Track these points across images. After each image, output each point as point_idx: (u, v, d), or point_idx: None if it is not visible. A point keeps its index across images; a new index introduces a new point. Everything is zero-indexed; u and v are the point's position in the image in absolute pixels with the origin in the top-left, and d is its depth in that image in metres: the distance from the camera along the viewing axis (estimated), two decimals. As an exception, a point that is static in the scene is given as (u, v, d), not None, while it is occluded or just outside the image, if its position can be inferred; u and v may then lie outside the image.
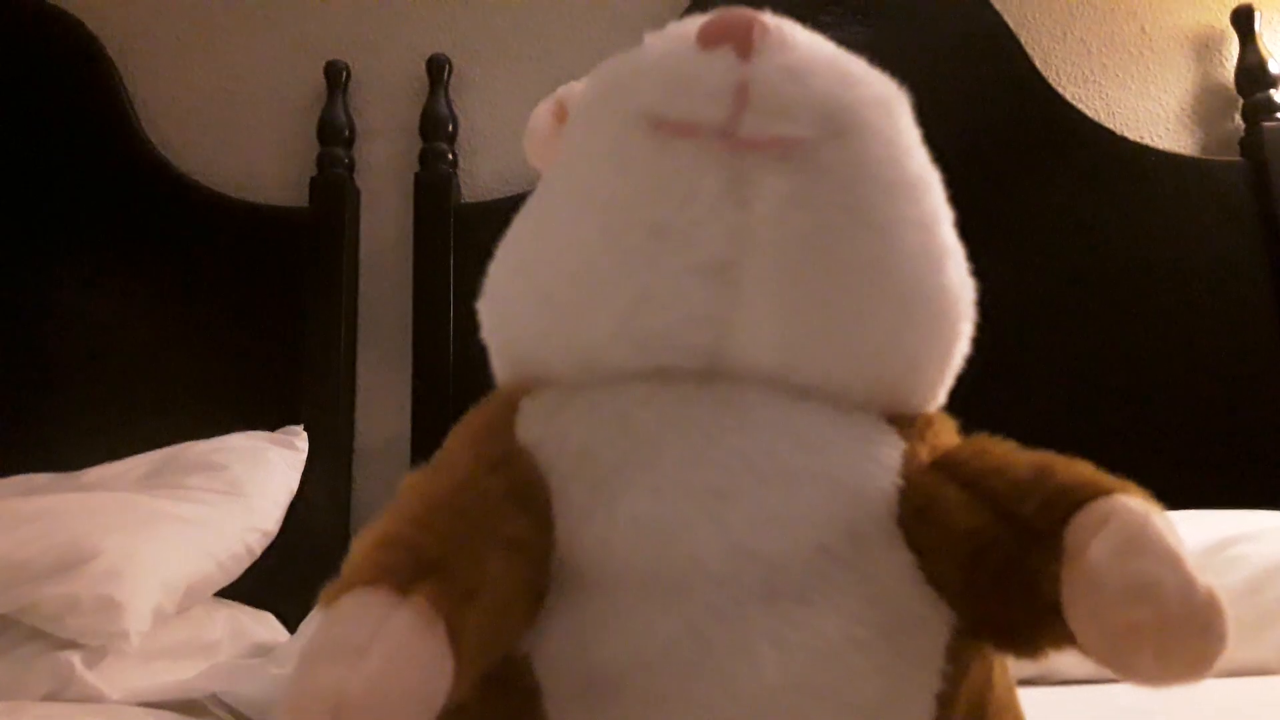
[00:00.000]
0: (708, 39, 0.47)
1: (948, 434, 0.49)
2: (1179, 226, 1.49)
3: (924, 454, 0.46)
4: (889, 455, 0.45)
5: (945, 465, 0.45)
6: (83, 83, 1.61)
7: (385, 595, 0.35)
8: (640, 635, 0.40)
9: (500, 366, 0.52)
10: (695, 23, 0.49)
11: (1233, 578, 1.08)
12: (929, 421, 0.48)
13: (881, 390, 0.47)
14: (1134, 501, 0.39)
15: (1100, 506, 0.39)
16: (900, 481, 0.44)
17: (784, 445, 0.44)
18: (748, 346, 0.46)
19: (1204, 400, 1.44)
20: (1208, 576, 0.36)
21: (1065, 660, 1.11)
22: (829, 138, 0.46)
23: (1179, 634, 0.35)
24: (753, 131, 0.45)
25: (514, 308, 0.50)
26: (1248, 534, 1.12)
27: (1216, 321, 1.46)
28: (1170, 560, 0.36)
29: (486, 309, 0.52)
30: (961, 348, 0.49)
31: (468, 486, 0.42)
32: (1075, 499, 0.39)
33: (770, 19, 0.48)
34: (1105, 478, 0.41)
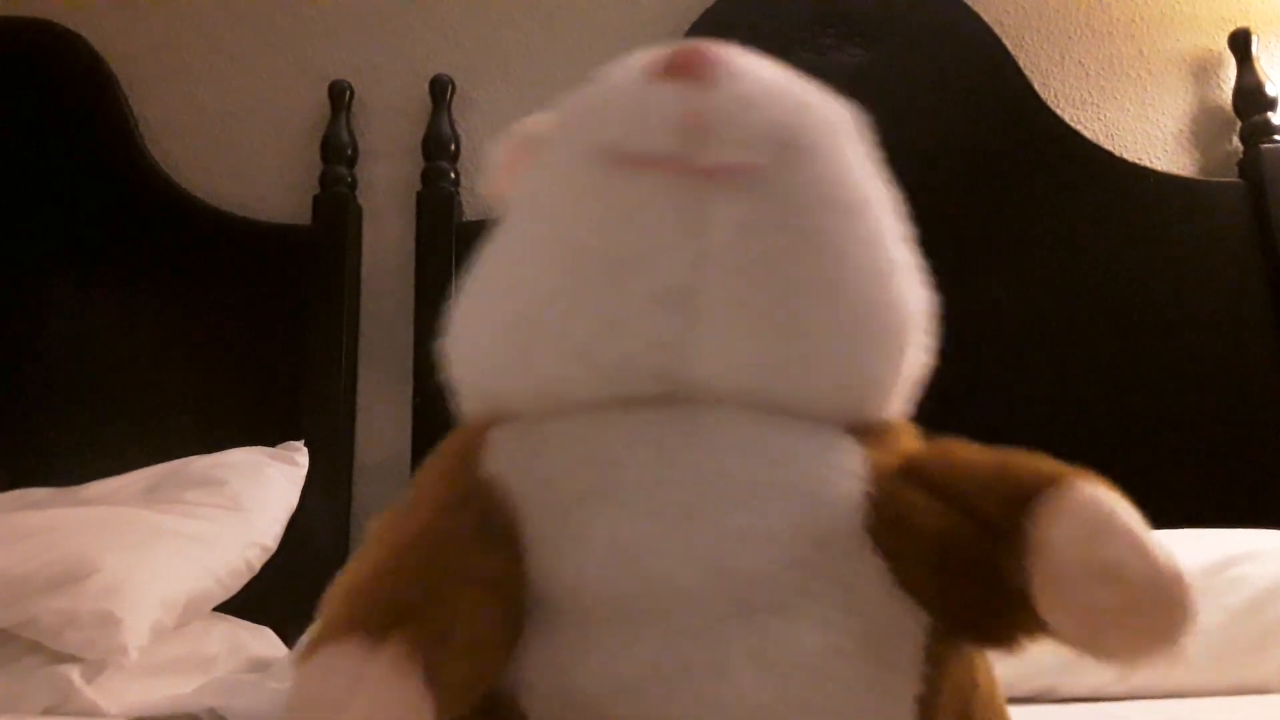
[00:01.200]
0: (661, 71, 0.48)
1: (909, 440, 0.50)
2: (1178, 248, 1.49)
3: (887, 461, 0.46)
4: (853, 464, 0.46)
5: (910, 471, 0.46)
6: (88, 101, 1.62)
7: (359, 646, 0.35)
8: (618, 660, 0.41)
9: (465, 401, 0.52)
10: (649, 55, 0.50)
11: (1233, 597, 1.07)
12: (889, 429, 0.49)
13: (841, 402, 0.48)
14: (1093, 488, 0.40)
15: (1060, 495, 0.40)
16: (866, 489, 0.45)
17: (749, 461, 0.44)
18: (708, 369, 0.46)
19: (1204, 420, 1.44)
20: (1169, 553, 0.37)
21: (1065, 679, 1.10)
22: (782, 163, 0.47)
23: (1146, 613, 0.36)
24: (707, 160, 0.46)
25: (477, 342, 0.51)
26: (1248, 553, 1.12)
27: (1216, 342, 1.46)
28: (1131, 541, 0.37)
29: (451, 345, 0.52)
30: (916, 357, 0.51)
31: (436, 527, 0.42)
32: (1035, 490, 0.40)
33: (720, 48, 0.49)
34: (1063, 468, 0.41)
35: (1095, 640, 0.37)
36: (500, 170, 0.59)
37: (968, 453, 0.46)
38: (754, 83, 0.49)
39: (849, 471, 0.45)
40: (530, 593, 0.42)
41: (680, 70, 0.48)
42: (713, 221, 0.46)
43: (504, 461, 0.46)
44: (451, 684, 0.36)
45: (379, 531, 0.44)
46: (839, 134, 0.50)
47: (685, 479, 0.44)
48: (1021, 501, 0.40)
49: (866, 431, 0.48)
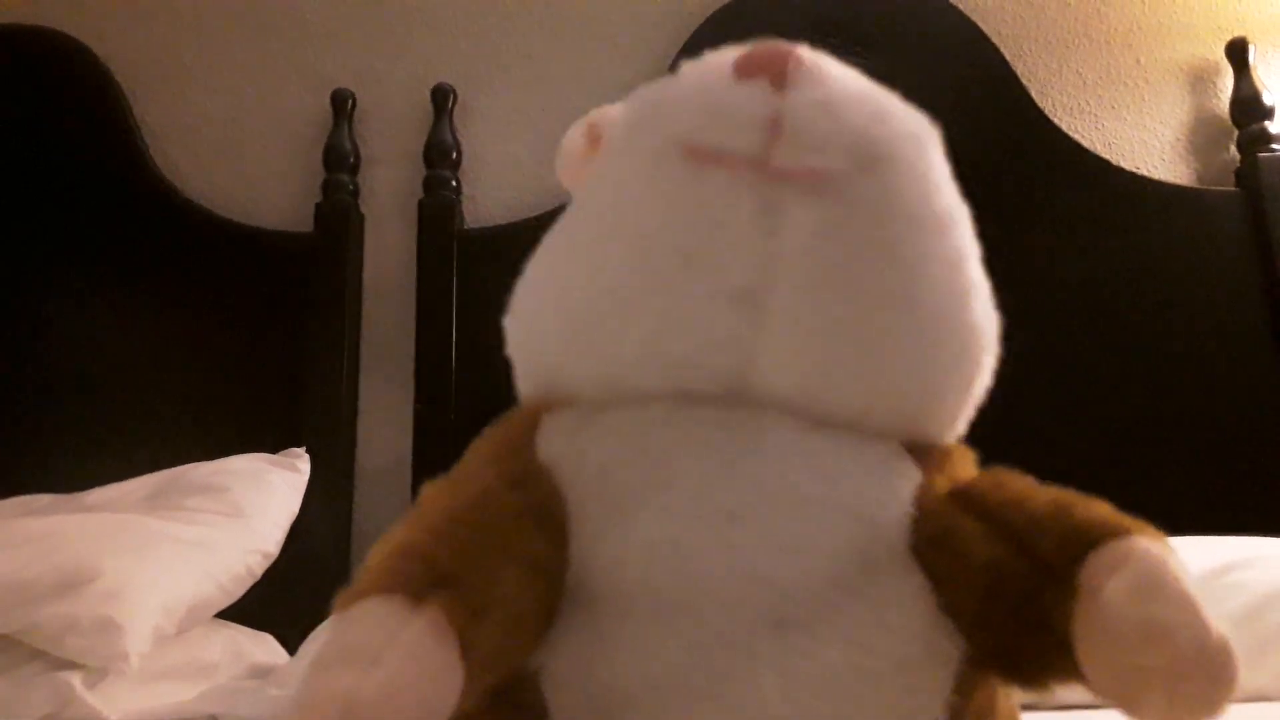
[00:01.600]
0: (744, 70, 0.48)
1: (966, 465, 0.49)
2: (1175, 257, 1.49)
3: (941, 484, 0.46)
4: (905, 485, 0.45)
5: (963, 496, 0.45)
6: (90, 108, 1.62)
7: (400, 604, 0.35)
8: (648, 658, 0.40)
9: (524, 383, 0.52)
10: (731, 53, 0.50)
11: (1232, 604, 1.07)
12: (947, 453, 0.49)
13: (901, 421, 0.47)
14: (1151, 544, 0.39)
15: (1117, 547, 0.39)
16: (914, 511, 0.44)
17: (800, 472, 0.44)
18: (770, 373, 0.46)
19: (1202, 428, 1.44)
20: (1219, 622, 0.37)
21: (1065, 688, 1.10)
22: (860, 171, 0.46)
23: (1190, 679, 0.35)
24: (785, 162, 0.46)
25: (540, 325, 0.50)
26: (1247, 560, 1.12)
27: (1213, 350, 1.46)
28: (1185, 605, 0.36)
29: (513, 325, 0.52)
30: (983, 381, 0.50)
31: (486, 501, 0.42)
32: (1093, 537, 0.40)
33: (805, 51, 0.49)
34: (1123, 518, 0.41)
35: (1134, 699, 0.37)
36: (571, 157, 0.59)
37: (1025, 486, 0.45)
38: (836, 88, 0.48)
39: (901, 492, 0.45)
40: (569, 581, 0.42)
41: (764, 69, 0.47)
42: (787, 224, 0.45)
43: (557, 447, 0.46)
44: (484, 656, 0.36)
45: (430, 498, 0.44)
46: (921, 147, 0.50)
47: (735, 484, 0.43)
48: (1077, 545, 0.40)
49: (924, 452, 0.47)
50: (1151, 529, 0.41)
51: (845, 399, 0.46)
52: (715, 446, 0.45)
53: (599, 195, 0.51)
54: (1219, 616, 0.37)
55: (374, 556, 0.39)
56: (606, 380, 0.48)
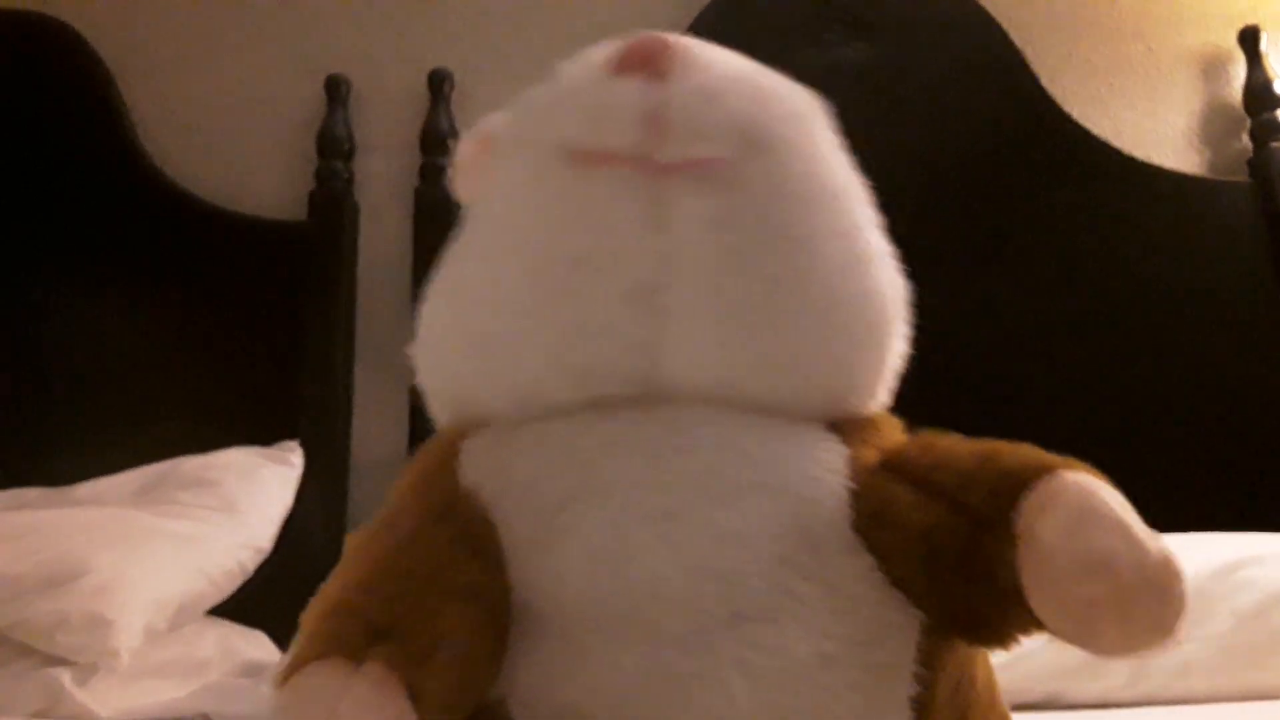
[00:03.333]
0: (619, 66, 0.48)
1: (893, 434, 0.49)
2: (1186, 246, 1.49)
3: (870, 456, 0.46)
4: (834, 461, 0.45)
5: (893, 465, 0.45)
6: (80, 95, 1.61)
7: (339, 668, 0.34)
8: (606, 673, 0.40)
9: (438, 410, 0.52)
10: (607, 48, 0.49)
11: (1241, 601, 1.07)
12: (872, 423, 0.49)
13: (819, 398, 0.47)
14: (1079, 477, 0.39)
15: (1046, 486, 0.39)
16: (849, 485, 0.44)
17: (730, 461, 0.44)
18: (682, 368, 0.46)
19: (1213, 421, 1.43)
20: (1158, 540, 0.37)
21: (1072, 685, 1.10)
22: (745, 156, 0.46)
23: (1137, 603, 0.35)
24: (669, 155, 0.45)
25: (446, 349, 0.50)
26: (1257, 557, 1.12)
27: (1225, 342, 1.46)
28: (1120, 530, 0.36)
29: (419, 352, 0.51)
30: (897, 348, 0.50)
31: (414, 541, 0.42)
32: (1021, 481, 0.40)
33: (681, 39, 0.48)
34: (1049, 457, 0.41)
35: (1088, 633, 0.37)
36: (463, 171, 0.59)
37: (951, 444, 0.45)
38: (715, 75, 0.48)
39: (832, 468, 0.45)
40: (515, 603, 0.41)
41: (638, 63, 0.47)
42: (677, 217, 0.45)
43: (480, 470, 0.46)
44: (437, 700, 0.36)
45: (356, 547, 0.43)
46: (806, 125, 0.49)
47: (665, 480, 0.43)
48: (1008, 492, 0.40)
49: (848, 426, 0.47)
50: (1079, 463, 0.40)
51: (759, 384, 0.46)
52: (639, 447, 0.44)
53: (490, 207, 0.51)
54: (1154, 537, 0.37)
55: (306, 620, 0.38)
56: (518, 397, 0.47)
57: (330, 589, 0.40)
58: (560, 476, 0.44)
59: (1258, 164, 1.53)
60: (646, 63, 0.47)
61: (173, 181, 1.57)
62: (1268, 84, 1.54)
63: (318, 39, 1.67)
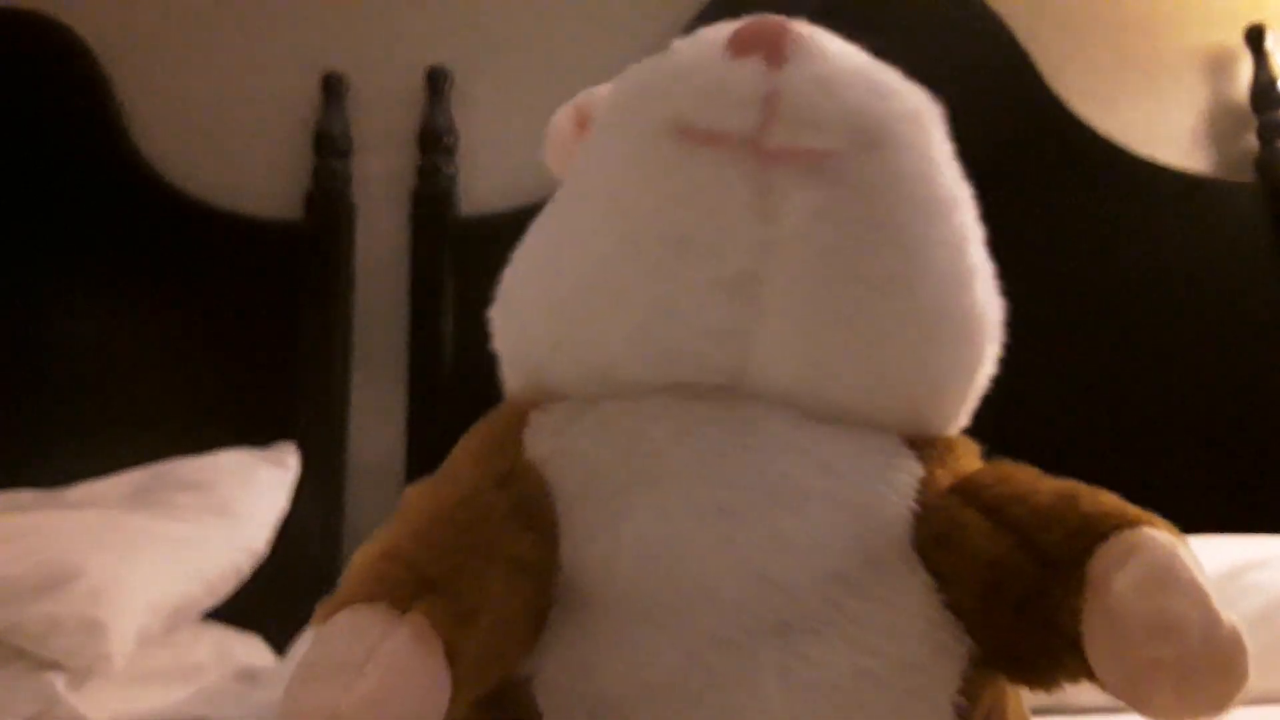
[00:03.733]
0: (738, 47, 0.46)
1: (969, 458, 0.48)
2: (1192, 246, 1.49)
3: (944, 478, 0.45)
4: (906, 479, 0.44)
5: (966, 490, 0.44)
6: (74, 92, 1.60)
7: (383, 613, 0.34)
8: (644, 663, 0.39)
9: (511, 376, 0.51)
10: (726, 29, 0.48)
11: (1247, 605, 1.06)
12: (950, 445, 0.47)
13: (902, 412, 0.46)
14: (1160, 535, 0.38)
15: (1125, 539, 0.38)
16: (917, 506, 0.43)
17: (799, 466, 0.43)
18: (767, 364, 0.45)
19: (1217, 423, 1.43)
20: (1230, 613, 0.36)
21: (1080, 690, 1.09)
22: (858, 151, 0.45)
23: (1201, 672, 0.35)
24: (781, 142, 0.44)
25: (527, 316, 0.49)
26: (1263, 560, 1.11)
27: (1230, 341, 1.46)
28: (1195, 597, 0.36)
29: (499, 317, 0.51)
30: (986, 370, 0.49)
31: (472, 502, 0.41)
32: (1100, 530, 0.39)
33: (802, 26, 0.47)
34: (1131, 509, 0.40)
35: (1144, 694, 0.36)
36: (558, 141, 0.58)
37: (1029, 478, 0.44)
38: (834, 64, 0.47)
39: (903, 486, 0.44)
40: (560, 582, 0.41)
41: (759, 45, 0.46)
42: (783, 207, 0.44)
43: (546, 444, 0.45)
44: (472, 663, 0.36)
45: (414, 499, 0.43)
46: (922, 125, 0.48)
47: (730, 478, 0.42)
48: (1084, 538, 0.39)
49: (926, 445, 0.46)
50: (1160, 520, 0.39)
51: (844, 390, 0.45)
52: (710, 440, 0.43)
53: (588, 180, 0.49)
54: (1230, 610, 0.36)
55: (356, 562, 0.38)
56: (596, 373, 0.46)
57: (384, 536, 0.39)
58: (624, 462, 0.43)
59: (1264, 163, 1.53)
60: (765, 45, 0.46)
61: (168, 180, 1.57)
62: (1274, 82, 1.54)
63: (314, 36, 1.66)
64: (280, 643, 1.19)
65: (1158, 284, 1.47)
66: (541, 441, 0.45)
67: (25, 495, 1.26)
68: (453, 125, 1.57)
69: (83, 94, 1.60)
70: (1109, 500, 0.41)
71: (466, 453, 0.48)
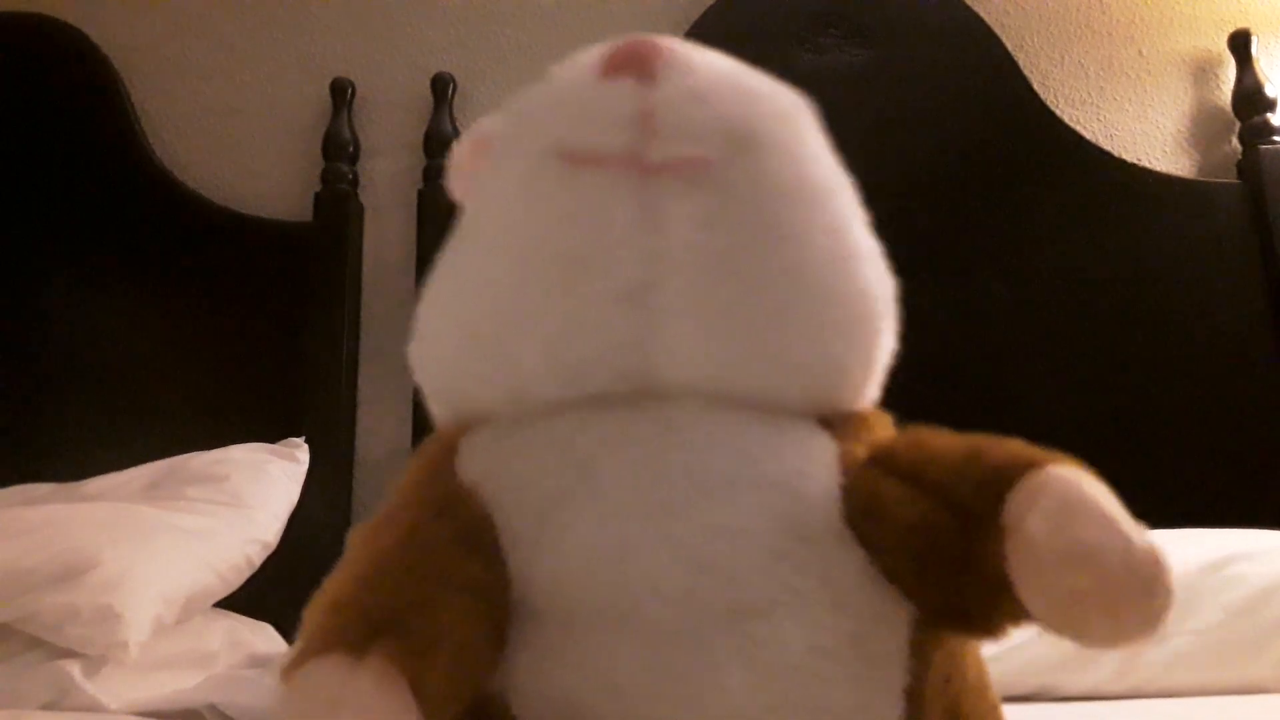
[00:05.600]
0: (610, 67, 0.48)
1: (883, 429, 0.49)
2: (1176, 248, 1.50)
3: (861, 451, 0.46)
4: (825, 455, 0.45)
5: (883, 460, 0.45)
6: (89, 97, 1.62)
7: (341, 660, 0.34)
8: (604, 665, 0.40)
9: (436, 408, 0.52)
10: (597, 51, 0.50)
11: (1230, 596, 1.08)
12: (862, 419, 0.49)
13: (811, 394, 0.47)
14: (1065, 470, 0.39)
15: (1032, 480, 0.39)
16: (841, 480, 0.44)
17: (722, 456, 0.44)
18: (675, 365, 0.46)
19: (1202, 420, 1.44)
20: (1144, 534, 0.37)
21: (1063, 677, 1.10)
22: (734, 156, 0.47)
23: (1124, 595, 0.36)
24: (660, 156, 0.46)
25: (442, 347, 0.50)
26: (1246, 553, 1.13)
27: (1214, 342, 1.46)
28: (1106, 524, 0.37)
29: (417, 350, 0.51)
30: (885, 344, 0.50)
31: (415, 536, 0.42)
32: (1009, 475, 0.40)
33: (669, 42, 0.49)
34: (1035, 451, 0.41)
35: (1075, 624, 0.37)
36: (459, 171, 0.58)
37: (939, 439, 0.45)
38: (702, 76, 0.48)
39: (824, 463, 0.45)
40: (514, 598, 0.42)
41: (627, 65, 0.47)
42: (668, 217, 0.46)
43: (478, 467, 0.46)
44: (438, 693, 0.36)
45: (358, 542, 0.43)
46: (793, 125, 0.50)
47: (660, 477, 0.43)
48: (995, 487, 0.40)
49: (839, 422, 0.47)
50: (1065, 457, 0.40)
51: (751, 380, 0.46)
52: (636, 443, 0.45)
53: (484, 207, 0.51)
54: (1139, 529, 0.37)
55: (309, 617, 0.38)
56: (514, 394, 0.47)
57: (332, 585, 0.40)
58: (557, 473, 0.44)
59: (1246, 166, 1.54)
60: (636, 65, 0.47)
61: (181, 183, 1.58)
62: (1258, 88, 1.54)
63: (323, 44, 1.68)
64: (291, 631, 1.17)
65: (1143, 285, 1.48)
66: (473, 465, 0.46)
67: (43, 488, 1.27)
68: (457, 130, 1.58)
69: (99, 99, 1.61)
70: (1014, 447, 0.42)
71: (403, 489, 0.48)
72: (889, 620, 0.42)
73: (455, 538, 0.42)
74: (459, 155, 0.59)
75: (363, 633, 0.36)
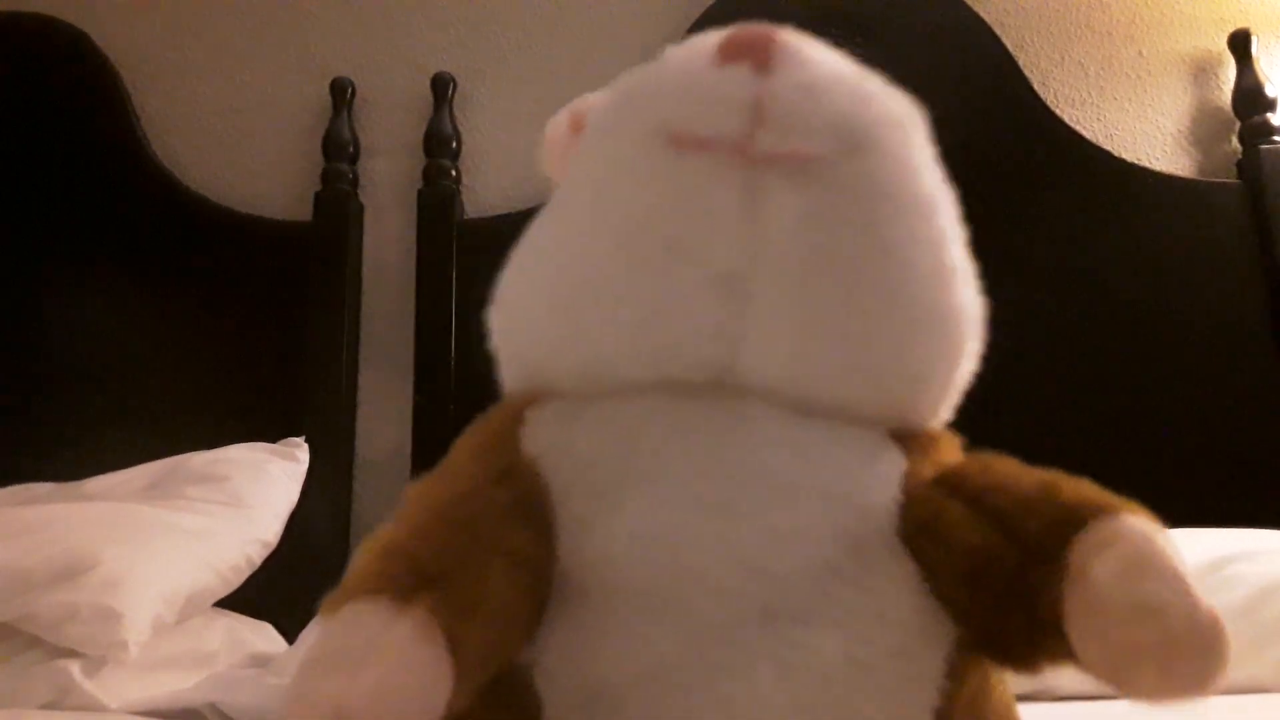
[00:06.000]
0: (726, 54, 0.47)
1: (951, 451, 0.49)
2: (1176, 248, 1.50)
3: (927, 470, 0.46)
4: (891, 471, 0.45)
5: (949, 481, 0.45)
6: (90, 98, 1.62)
7: (386, 606, 0.35)
8: (639, 651, 0.40)
9: (508, 375, 0.52)
10: (714, 37, 0.49)
11: (1230, 596, 1.07)
12: (932, 438, 0.48)
13: (886, 407, 0.47)
14: (1139, 522, 0.39)
15: (1105, 526, 0.39)
16: (901, 497, 0.44)
17: (787, 460, 0.44)
18: (757, 360, 0.46)
19: (1201, 420, 1.44)
20: (1210, 598, 0.36)
21: (1063, 676, 1.10)
22: (843, 155, 0.46)
23: (1181, 654, 0.35)
24: (768, 147, 0.45)
25: (525, 316, 0.50)
26: (1245, 553, 1.12)
27: (1213, 342, 1.46)
28: (1174, 581, 0.36)
29: (497, 316, 0.52)
30: (968, 366, 0.50)
31: (472, 497, 0.42)
32: (1080, 518, 0.39)
33: (788, 35, 0.48)
34: (1110, 497, 0.41)
35: (1125, 676, 0.36)
36: (555, 145, 0.58)
37: (1010, 469, 0.45)
38: (819, 71, 0.48)
39: (888, 478, 0.45)
40: (558, 574, 0.42)
41: (746, 53, 0.47)
42: (770, 209, 0.45)
43: (543, 440, 0.46)
44: (473, 654, 0.36)
45: (414, 497, 0.43)
46: (904, 131, 0.49)
47: (723, 473, 0.43)
48: (1064, 526, 0.39)
49: (910, 438, 0.47)
50: (1139, 507, 0.40)
51: (830, 385, 0.46)
52: (702, 436, 0.44)
53: (582, 184, 0.51)
54: (1210, 596, 0.36)
55: (359, 558, 0.38)
56: (592, 371, 0.47)
57: (387, 531, 0.40)
58: (620, 457, 0.43)
59: (1247, 166, 1.53)
60: (752, 53, 0.46)
61: (181, 183, 1.59)
62: (1258, 87, 1.54)
63: (323, 44, 1.68)
64: (291, 630, 1.21)
65: (1143, 284, 1.48)
66: (538, 438, 0.46)
67: (43, 487, 1.27)
68: (457, 130, 1.59)
69: (99, 100, 1.61)
70: (1089, 489, 0.41)
71: (465, 450, 0.48)
72: (930, 640, 0.42)
73: (511, 506, 0.42)
74: (555, 129, 0.59)
75: (411, 581, 0.36)
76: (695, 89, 0.47)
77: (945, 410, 0.50)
